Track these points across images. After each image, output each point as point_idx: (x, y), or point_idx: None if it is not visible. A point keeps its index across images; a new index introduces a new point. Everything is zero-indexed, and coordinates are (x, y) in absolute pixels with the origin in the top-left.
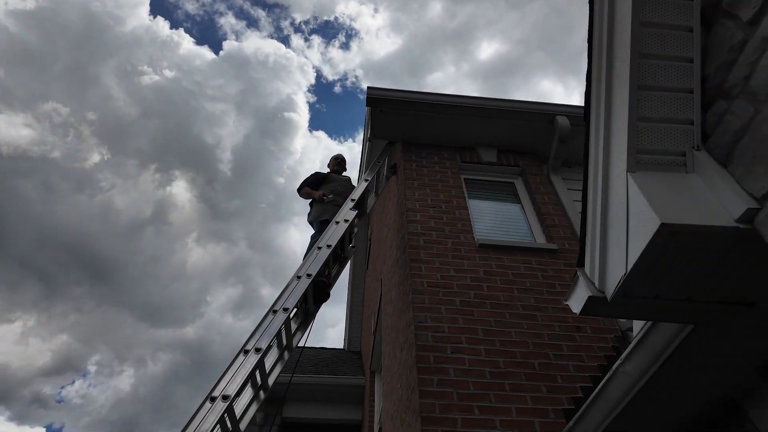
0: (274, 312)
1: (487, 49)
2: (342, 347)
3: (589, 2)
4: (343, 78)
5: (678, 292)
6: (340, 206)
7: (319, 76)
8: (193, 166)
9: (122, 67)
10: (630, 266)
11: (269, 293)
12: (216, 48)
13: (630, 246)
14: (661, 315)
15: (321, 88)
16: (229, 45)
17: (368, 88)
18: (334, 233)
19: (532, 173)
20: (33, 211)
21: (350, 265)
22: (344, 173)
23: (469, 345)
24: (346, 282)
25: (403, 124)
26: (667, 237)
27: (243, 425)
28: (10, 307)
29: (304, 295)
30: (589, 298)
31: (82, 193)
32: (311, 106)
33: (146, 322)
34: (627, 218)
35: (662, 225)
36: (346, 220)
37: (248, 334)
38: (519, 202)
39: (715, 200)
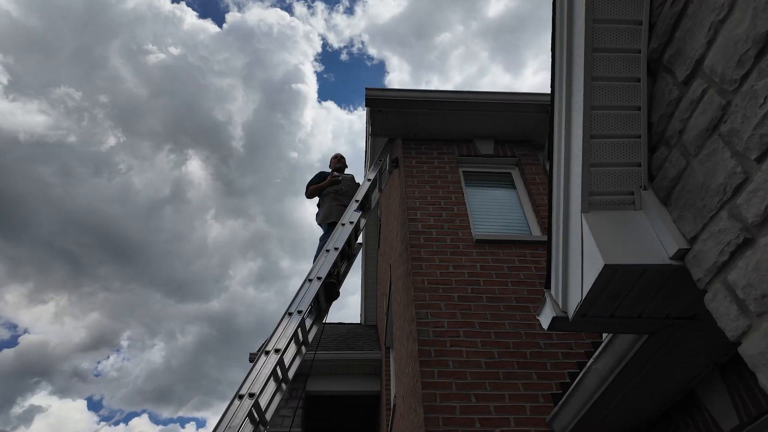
0: (290, 314)
1: (496, 5)
2: (359, 322)
3: (551, 67)
4: (350, 45)
5: (629, 311)
6: (345, 206)
7: (324, 44)
8: (206, 144)
9: (127, 47)
10: (584, 294)
11: (288, 265)
12: (219, 21)
13: (584, 277)
14: (619, 329)
15: (327, 56)
16: (232, 17)
17: (366, 89)
18: (341, 235)
19: (528, 162)
20: (54, 196)
21: (363, 240)
22: (346, 170)
23: (467, 338)
24: (360, 259)
25: (401, 121)
26: (611, 274)
27: (268, 415)
28: (42, 288)
29: (316, 296)
30: (554, 318)
31: (100, 176)
32: (319, 76)
33: (173, 297)
34: (582, 252)
35: (605, 266)
36: (351, 222)
37: (266, 335)
38: (516, 192)
39: (655, 237)
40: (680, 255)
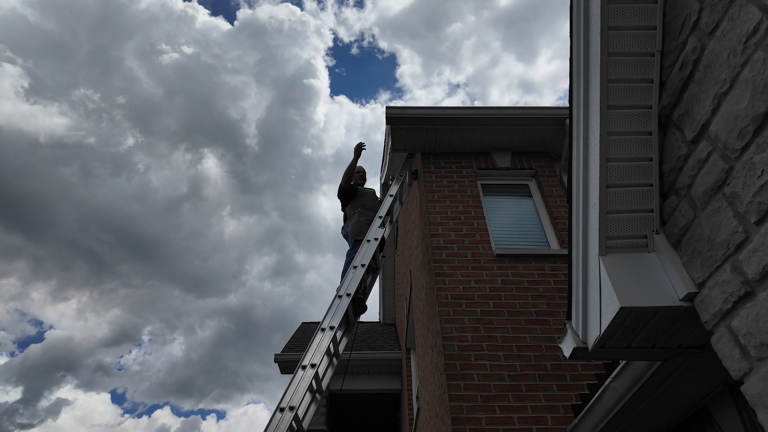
0: (323, 330)
1: None
2: (378, 320)
3: (569, 124)
4: (360, 38)
5: (644, 342)
6: (371, 220)
7: (335, 38)
8: (221, 142)
9: (141, 47)
10: (603, 330)
11: (303, 259)
12: (230, 18)
13: (602, 314)
14: (634, 357)
15: (338, 51)
16: (243, 14)
17: (387, 107)
18: (366, 252)
19: (545, 174)
20: (75, 195)
21: None
22: (366, 184)
23: (490, 352)
24: None
25: (421, 137)
26: (627, 314)
27: (305, 424)
28: (65, 286)
29: (346, 311)
30: (575, 348)
31: (119, 176)
32: (331, 71)
33: (192, 293)
34: (600, 291)
35: (621, 308)
36: (376, 239)
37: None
38: (533, 203)
39: (667, 280)
40: (689, 297)
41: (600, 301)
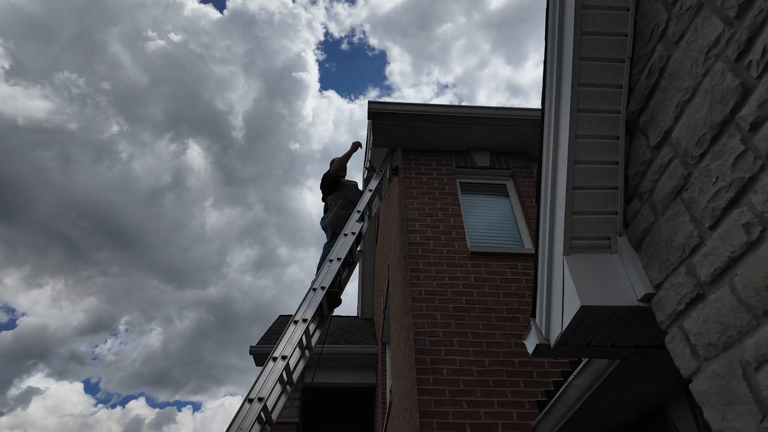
0: (295, 322)
1: None
2: (356, 314)
3: (540, 124)
4: (350, 35)
5: (604, 341)
6: (351, 214)
7: (326, 33)
8: (207, 134)
9: (127, 33)
10: (564, 327)
11: (286, 253)
12: (220, 6)
13: (564, 312)
14: (595, 355)
15: (329, 45)
16: (233, 3)
17: (369, 102)
18: (343, 246)
19: (522, 175)
20: (53, 180)
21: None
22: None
23: (460, 347)
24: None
25: (402, 133)
26: (587, 313)
27: (275, 415)
28: (39, 272)
29: (320, 304)
30: (538, 345)
31: (101, 163)
32: (321, 65)
33: (171, 284)
34: (563, 290)
35: (582, 307)
36: (353, 233)
37: (275, 337)
38: (510, 203)
39: (627, 280)
40: (647, 298)
41: (563, 299)
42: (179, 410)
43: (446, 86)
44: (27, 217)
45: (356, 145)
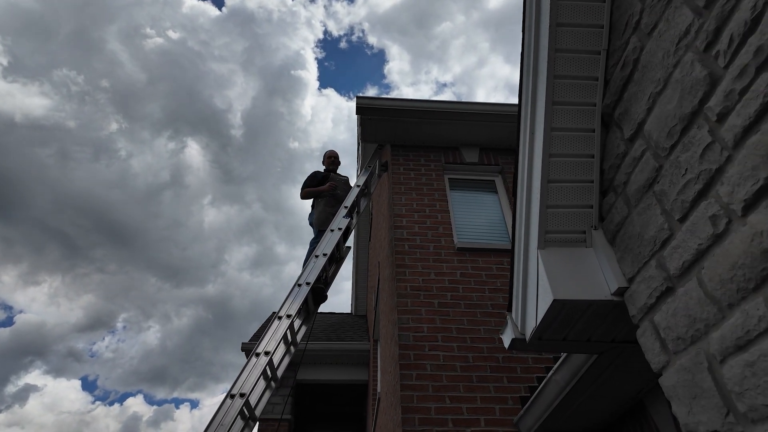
0: (279, 318)
1: None
2: (349, 311)
3: (518, 117)
4: (349, 33)
5: (580, 335)
6: (337, 210)
7: (325, 30)
8: (206, 132)
9: (125, 30)
10: (538, 321)
11: (284, 251)
12: (219, 3)
13: (539, 306)
14: (571, 349)
15: (328, 44)
16: (231, 0)
17: (357, 97)
18: (329, 241)
19: (511, 171)
20: (50, 178)
21: (355, 232)
22: (340, 169)
23: (444, 343)
24: (353, 250)
25: (390, 128)
26: (561, 306)
27: (258, 411)
28: (36, 269)
29: (305, 300)
30: (513, 339)
31: (99, 161)
32: (320, 63)
33: (169, 281)
34: (537, 284)
35: (555, 300)
36: (340, 228)
37: (259, 334)
38: (498, 199)
39: (601, 274)
40: (620, 292)
41: (537, 293)
42: (177, 407)
43: (445, 85)
44: (24, 214)
45: (332, 186)
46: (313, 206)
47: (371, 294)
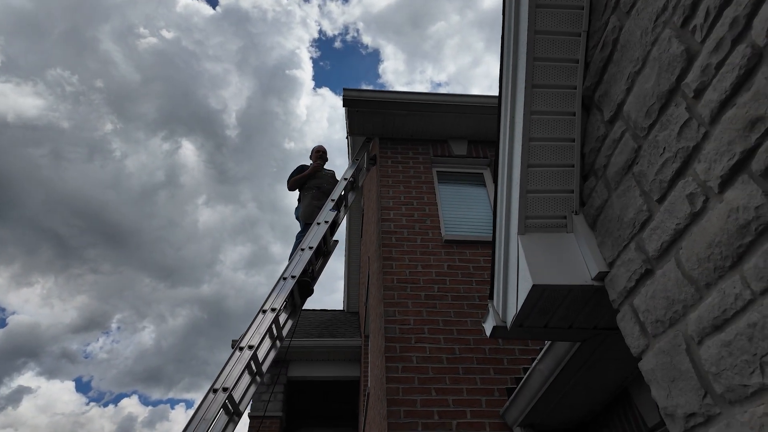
0: (264, 312)
1: None
2: (342, 308)
3: (498, 101)
4: (344, 32)
5: (561, 322)
6: (324, 204)
7: (320, 30)
8: (201, 132)
9: (118, 30)
10: (518, 308)
11: (279, 251)
12: (213, 2)
13: (519, 293)
14: (553, 337)
15: (322, 43)
16: None
17: (344, 89)
18: (315, 235)
19: None
20: (43, 178)
21: (347, 228)
22: (326, 164)
23: (431, 335)
24: (344, 247)
25: (378, 121)
26: (540, 292)
27: (243, 406)
28: (29, 270)
29: (291, 293)
30: (495, 326)
31: (93, 161)
32: (315, 62)
33: (164, 281)
34: (518, 270)
35: (534, 286)
36: (326, 221)
37: (244, 328)
38: (486, 191)
39: (582, 259)
40: (600, 277)
41: (518, 279)
42: (172, 408)
43: (439, 84)
44: (16, 214)
45: (318, 167)
46: (299, 200)
47: (362, 290)
